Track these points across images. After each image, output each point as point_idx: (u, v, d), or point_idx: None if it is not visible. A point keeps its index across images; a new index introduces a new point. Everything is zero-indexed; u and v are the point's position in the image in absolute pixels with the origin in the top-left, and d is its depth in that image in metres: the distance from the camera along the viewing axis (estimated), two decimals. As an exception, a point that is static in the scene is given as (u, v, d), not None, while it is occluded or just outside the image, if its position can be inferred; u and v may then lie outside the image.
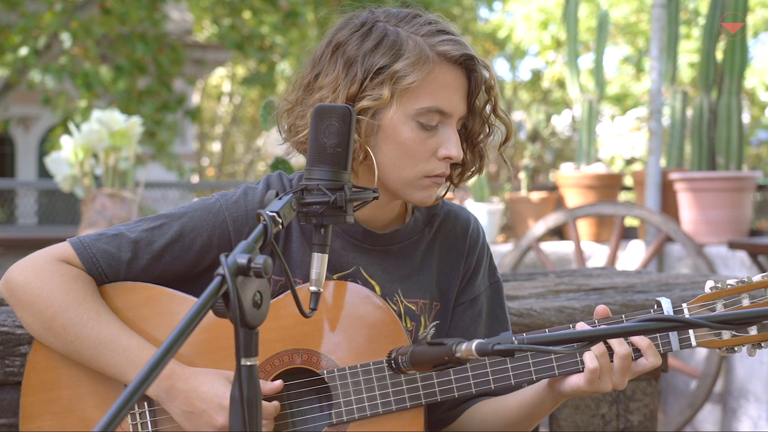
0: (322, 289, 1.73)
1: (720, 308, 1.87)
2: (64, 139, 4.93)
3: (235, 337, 1.42)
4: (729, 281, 1.89)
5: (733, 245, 5.89)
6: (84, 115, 11.13)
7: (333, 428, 1.90)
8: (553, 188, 7.76)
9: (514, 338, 1.65)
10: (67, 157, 4.99)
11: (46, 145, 12.90)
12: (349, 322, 1.92)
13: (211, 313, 1.87)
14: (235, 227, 1.95)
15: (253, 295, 1.42)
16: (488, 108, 1.96)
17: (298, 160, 3.23)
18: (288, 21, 13.07)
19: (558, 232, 7.33)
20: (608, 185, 7.18)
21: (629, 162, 9.21)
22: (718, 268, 6.05)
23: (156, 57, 12.33)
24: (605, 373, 1.82)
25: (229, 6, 13.42)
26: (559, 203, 7.47)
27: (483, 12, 21.09)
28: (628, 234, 7.23)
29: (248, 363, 1.42)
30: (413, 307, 2.01)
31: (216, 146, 24.48)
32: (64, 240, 1.95)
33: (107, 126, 4.95)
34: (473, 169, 2.02)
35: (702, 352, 5.85)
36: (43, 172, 15.97)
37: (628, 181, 8.42)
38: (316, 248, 1.73)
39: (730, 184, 6.19)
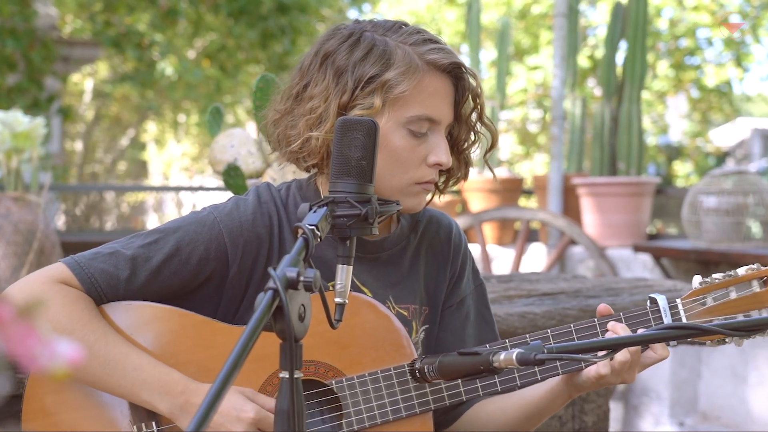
0: (347, 301, 1.73)
1: (710, 302, 1.95)
2: (-37, 141, 4.71)
3: (285, 350, 1.41)
4: (715, 276, 1.97)
5: (638, 248, 6.11)
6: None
7: None
8: (457, 192, 7.88)
9: (544, 347, 1.69)
10: (-34, 159, 4.78)
11: None
12: (353, 332, 1.92)
13: (208, 329, 1.87)
14: (231, 239, 1.93)
15: (298, 309, 1.42)
16: (474, 115, 2.00)
17: (246, 168, 3.19)
18: (168, 19, 12.84)
19: (460, 236, 7.42)
20: (510, 189, 7.34)
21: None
22: (620, 271, 6.26)
23: (26, 53, 11.89)
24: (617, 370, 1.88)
25: (104, 2, 13.07)
26: (462, 207, 7.59)
27: (352, 14, 21.17)
28: (530, 237, 7.41)
29: (290, 376, 1.41)
30: (405, 313, 2.03)
31: (78, 145, 23.78)
32: None
33: (10, 127, 4.76)
34: (459, 175, 2.06)
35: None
36: None
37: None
38: (341, 260, 1.73)
39: (630, 189, 6.43)
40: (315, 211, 1.67)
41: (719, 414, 5.57)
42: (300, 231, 1.56)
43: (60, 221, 10.99)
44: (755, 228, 5.96)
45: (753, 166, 15.61)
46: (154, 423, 1.87)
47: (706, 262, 5.80)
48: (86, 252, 1.89)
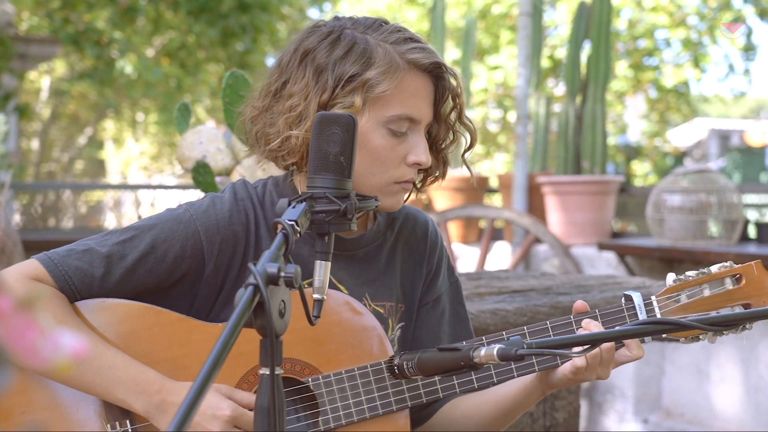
0: (325, 297, 1.72)
1: (684, 299, 1.97)
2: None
3: (265, 347, 1.40)
4: (689, 273, 1.99)
5: (602, 246, 6.15)
6: None
7: None
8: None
9: (524, 343, 1.69)
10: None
11: None
12: (330, 329, 1.91)
13: (183, 326, 1.85)
14: (207, 237, 1.91)
15: (278, 305, 1.41)
16: (453, 115, 1.99)
17: (215, 165, 3.16)
18: (127, 17, 12.74)
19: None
20: (475, 188, 7.35)
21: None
22: (585, 269, 6.30)
23: (-18, 51, 11.75)
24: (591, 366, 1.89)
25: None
26: (427, 205, 7.59)
27: (313, 13, 21.11)
28: (495, 235, 7.44)
29: (271, 373, 1.39)
30: (381, 310, 2.03)
31: (34, 144, 23.48)
32: None
33: (-30, 124, 4.70)
34: (436, 174, 2.05)
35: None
36: None
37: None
38: (319, 256, 1.72)
39: (595, 187, 6.47)
40: (294, 207, 1.66)
41: (683, 410, 5.63)
42: (280, 226, 1.55)
43: (16, 220, 10.84)
44: (717, 226, 6.02)
45: (711, 166, 15.78)
46: (128, 421, 1.84)
47: (670, 259, 5.85)
48: (59, 249, 1.86)
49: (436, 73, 1.92)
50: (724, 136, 25.06)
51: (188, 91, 16.44)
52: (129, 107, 20.88)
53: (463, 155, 2.10)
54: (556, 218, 6.62)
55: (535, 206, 6.91)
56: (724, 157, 20.81)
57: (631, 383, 5.65)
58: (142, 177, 24.25)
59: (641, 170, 17.08)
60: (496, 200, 9.83)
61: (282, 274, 1.39)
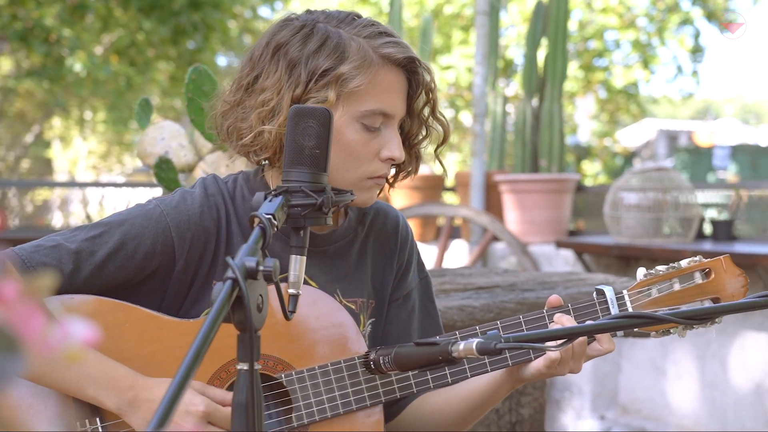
0: (300, 292, 1.70)
1: (655, 293, 1.98)
2: None
3: (244, 341, 1.38)
4: (659, 268, 2.00)
5: (560, 244, 6.18)
6: None
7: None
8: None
9: (501, 337, 1.68)
10: None
11: None
12: (302, 325, 1.90)
13: (153, 323, 1.82)
14: (178, 233, 1.89)
15: (256, 299, 1.39)
16: (426, 110, 1.99)
17: (177, 161, 3.12)
18: (76, 14, 12.60)
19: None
20: (432, 186, 7.36)
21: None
22: (542, 266, 6.34)
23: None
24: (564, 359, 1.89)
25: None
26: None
27: (264, 11, 21.02)
28: (452, 234, 7.45)
29: (249, 368, 1.38)
30: (352, 306, 2.02)
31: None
32: None
33: None
34: (409, 169, 2.05)
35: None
36: None
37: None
38: (295, 250, 1.70)
39: (552, 185, 6.51)
40: (271, 201, 1.63)
41: (639, 407, 5.68)
42: (257, 220, 1.52)
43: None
44: (673, 223, 6.09)
45: (666, 164, 15.98)
46: (98, 420, 1.81)
47: (627, 257, 5.90)
48: (26, 245, 1.83)
49: (410, 67, 1.92)
50: (672, 137, 25.43)
51: (138, 90, 16.29)
52: (77, 105, 20.62)
53: (436, 150, 2.09)
54: (513, 216, 6.65)
55: (493, 204, 6.93)
56: (672, 157, 21.10)
57: (588, 380, 5.69)
58: (91, 176, 23.97)
59: (591, 170, 17.24)
60: (452, 199, 9.86)
61: (260, 268, 1.38)
